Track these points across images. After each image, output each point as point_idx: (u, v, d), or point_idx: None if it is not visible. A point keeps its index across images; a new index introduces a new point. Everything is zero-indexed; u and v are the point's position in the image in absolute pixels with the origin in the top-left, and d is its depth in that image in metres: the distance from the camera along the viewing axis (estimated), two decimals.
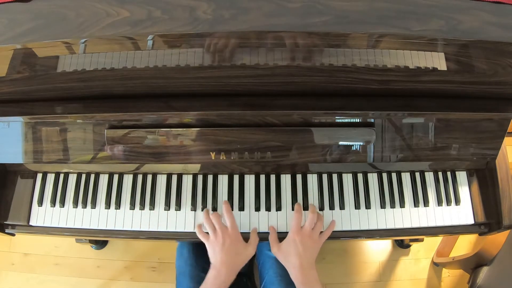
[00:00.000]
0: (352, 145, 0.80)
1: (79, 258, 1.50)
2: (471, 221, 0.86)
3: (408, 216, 0.86)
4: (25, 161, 0.82)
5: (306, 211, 0.85)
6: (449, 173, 0.89)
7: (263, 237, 0.85)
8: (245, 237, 0.85)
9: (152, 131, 0.78)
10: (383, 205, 0.86)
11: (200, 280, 0.87)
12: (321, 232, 0.81)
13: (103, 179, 0.88)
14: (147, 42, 0.65)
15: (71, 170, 0.89)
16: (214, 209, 0.86)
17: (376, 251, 1.52)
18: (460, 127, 0.80)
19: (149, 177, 0.88)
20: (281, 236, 0.82)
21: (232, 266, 0.76)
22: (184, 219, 0.85)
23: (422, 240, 1.42)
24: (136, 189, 0.87)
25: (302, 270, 0.74)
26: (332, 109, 0.76)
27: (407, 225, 0.86)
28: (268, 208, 0.86)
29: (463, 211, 0.87)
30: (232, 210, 0.85)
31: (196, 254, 0.93)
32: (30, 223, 0.86)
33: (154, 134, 0.78)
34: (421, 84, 0.77)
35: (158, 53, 0.69)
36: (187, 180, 0.88)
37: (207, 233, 0.80)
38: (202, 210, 0.85)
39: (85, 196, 0.87)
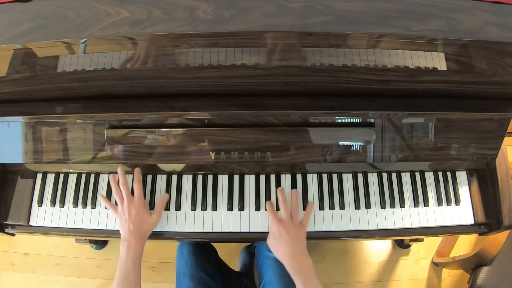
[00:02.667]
0: (352, 145, 0.80)
1: (79, 258, 1.50)
2: (471, 221, 0.86)
3: (408, 216, 0.86)
4: (25, 161, 0.82)
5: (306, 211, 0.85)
6: (449, 173, 0.89)
7: (263, 237, 0.84)
8: (246, 237, 0.86)
9: (152, 131, 0.78)
10: (383, 205, 0.86)
11: (200, 280, 0.88)
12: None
13: (103, 179, 0.88)
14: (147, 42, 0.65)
15: (71, 170, 0.89)
16: (214, 209, 0.86)
17: (376, 251, 1.52)
18: (460, 127, 0.80)
19: (149, 177, 0.88)
20: None
21: (138, 235, 0.78)
22: (184, 219, 0.85)
23: (422, 240, 1.42)
24: None
25: (295, 258, 0.74)
26: (332, 109, 0.76)
27: (407, 225, 0.86)
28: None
29: (463, 211, 0.87)
30: (232, 210, 0.85)
31: (196, 254, 0.93)
32: (30, 223, 0.86)
33: (154, 134, 0.78)
34: (421, 84, 0.77)
35: (158, 53, 0.69)
36: (187, 180, 0.88)
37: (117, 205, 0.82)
38: (202, 210, 0.85)
39: (85, 196, 0.87)
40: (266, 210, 0.85)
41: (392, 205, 0.86)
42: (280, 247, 0.76)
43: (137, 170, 0.84)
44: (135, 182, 0.83)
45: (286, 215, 0.79)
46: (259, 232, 0.84)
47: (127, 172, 0.88)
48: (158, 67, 0.71)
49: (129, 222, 0.78)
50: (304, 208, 0.85)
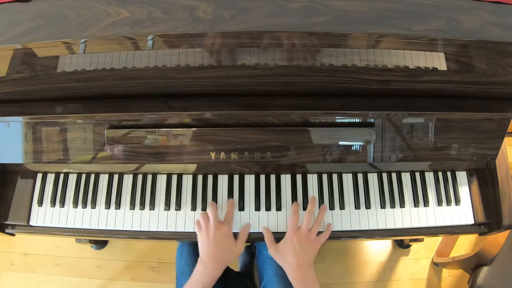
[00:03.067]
0: (352, 145, 0.80)
1: (79, 258, 1.50)
2: (471, 221, 0.86)
3: (408, 216, 0.86)
4: (25, 161, 0.82)
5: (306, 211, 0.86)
6: (449, 173, 0.89)
7: (263, 237, 0.85)
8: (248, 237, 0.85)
9: (152, 131, 0.78)
10: (383, 205, 0.86)
11: None
12: (319, 233, 0.80)
13: (103, 179, 0.88)
14: (147, 42, 0.65)
15: (71, 170, 0.89)
16: None
17: (376, 251, 1.52)
18: (460, 127, 0.80)
19: (149, 177, 0.88)
20: (281, 236, 0.82)
21: (220, 261, 0.75)
22: (184, 219, 0.85)
23: (422, 240, 1.42)
24: (136, 189, 0.87)
25: (299, 270, 0.74)
26: (332, 109, 0.76)
27: (407, 225, 0.86)
28: (268, 208, 0.86)
29: (463, 211, 0.87)
30: None
31: (196, 254, 0.92)
32: (30, 223, 0.86)
33: (154, 134, 0.78)
34: (421, 84, 0.77)
35: (158, 53, 0.69)
36: (187, 180, 0.88)
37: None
38: (202, 210, 0.85)
39: (85, 196, 0.87)
40: (266, 210, 0.85)
41: (392, 205, 0.87)
42: (286, 256, 0.76)
43: (230, 201, 0.83)
44: (228, 211, 0.82)
45: (306, 227, 0.78)
46: (259, 232, 0.84)
47: (129, 171, 0.88)
48: (158, 67, 0.71)
49: (212, 245, 0.75)
50: (304, 209, 0.85)
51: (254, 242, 1.12)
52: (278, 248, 0.78)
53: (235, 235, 0.82)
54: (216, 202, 0.86)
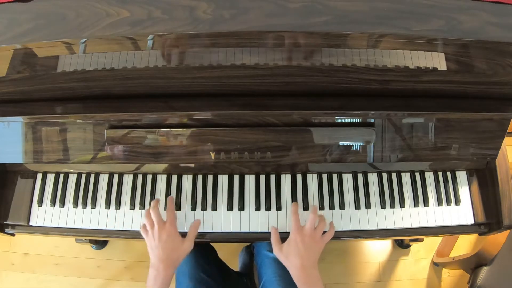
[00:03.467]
0: (352, 145, 0.80)
1: (79, 258, 1.50)
2: (471, 221, 0.86)
3: (408, 216, 0.86)
4: (25, 161, 0.82)
5: (306, 211, 0.86)
6: (449, 173, 0.89)
7: (263, 237, 0.85)
8: (246, 237, 0.86)
9: (152, 131, 0.78)
10: (383, 205, 0.86)
11: (200, 280, 0.87)
12: (324, 233, 0.80)
13: (103, 179, 0.88)
14: (147, 42, 0.65)
15: (71, 170, 0.89)
16: (214, 209, 0.86)
17: (376, 251, 1.52)
18: (460, 127, 0.80)
19: (149, 177, 0.88)
20: (281, 236, 0.82)
21: (169, 262, 0.75)
22: (184, 219, 0.85)
23: (422, 240, 1.42)
24: (136, 189, 0.87)
25: (304, 270, 0.73)
26: (332, 109, 0.76)
27: (407, 225, 0.86)
28: (268, 208, 0.86)
29: (463, 211, 0.87)
30: (232, 210, 0.85)
31: (196, 254, 0.93)
32: (30, 223, 0.86)
33: (154, 134, 0.78)
34: (421, 84, 0.77)
35: (158, 53, 0.69)
36: (187, 180, 0.88)
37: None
38: (202, 210, 0.85)
39: (85, 196, 0.87)
40: (266, 210, 0.85)
41: (392, 205, 0.86)
42: (290, 256, 0.76)
43: (170, 199, 0.83)
44: (167, 210, 0.81)
45: (310, 227, 0.77)
46: (259, 232, 0.84)
47: (129, 171, 0.88)
48: (158, 67, 0.71)
49: (159, 248, 0.75)
50: (306, 208, 0.85)
51: (254, 242, 1.12)
52: (283, 249, 0.78)
53: (235, 235, 0.82)
54: (216, 202, 0.86)
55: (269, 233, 0.83)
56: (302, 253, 0.74)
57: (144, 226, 0.80)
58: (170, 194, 0.86)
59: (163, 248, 0.75)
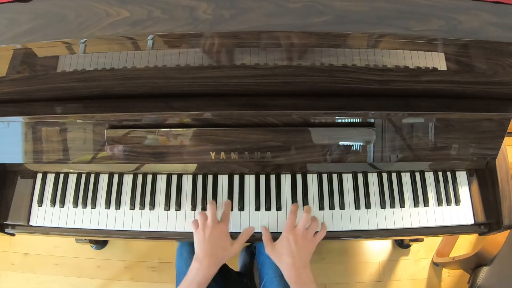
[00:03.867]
0: (352, 145, 0.80)
1: (79, 258, 1.50)
2: (471, 221, 0.86)
3: (408, 216, 0.86)
4: (25, 161, 0.82)
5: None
6: (449, 173, 0.89)
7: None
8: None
9: (152, 131, 0.78)
10: (383, 205, 0.86)
11: None
12: (316, 233, 0.80)
13: (103, 179, 0.88)
14: (147, 42, 0.65)
15: (71, 170, 0.89)
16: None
17: (376, 251, 1.52)
18: (460, 127, 0.80)
19: (149, 177, 0.88)
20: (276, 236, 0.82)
21: (215, 260, 0.75)
22: (184, 219, 0.85)
23: (422, 240, 1.42)
24: (136, 189, 0.87)
25: (295, 269, 0.74)
26: (332, 109, 0.76)
27: (407, 225, 0.86)
28: (268, 208, 0.86)
29: (463, 211, 0.87)
30: (232, 210, 0.85)
31: None
32: (30, 223, 0.86)
33: (154, 134, 0.78)
34: (421, 84, 0.77)
35: (158, 53, 0.69)
36: (187, 180, 0.88)
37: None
38: (202, 210, 0.85)
39: (85, 196, 0.87)
40: (266, 210, 0.85)
41: (392, 205, 0.87)
42: (282, 255, 0.76)
43: (227, 202, 0.84)
44: (224, 210, 0.82)
45: (303, 226, 0.78)
46: (259, 232, 0.84)
47: (129, 171, 0.88)
48: (158, 67, 0.71)
49: (209, 242, 0.75)
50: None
51: (254, 242, 1.12)
52: (275, 248, 0.78)
53: (235, 235, 0.82)
54: (216, 202, 0.86)
55: (270, 233, 0.83)
56: (293, 252, 0.75)
57: (195, 222, 0.80)
58: (170, 194, 0.87)
59: (213, 244, 0.75)
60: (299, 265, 0.74)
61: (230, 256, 0.79)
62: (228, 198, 0.86)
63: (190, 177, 0.88)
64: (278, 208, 0.86)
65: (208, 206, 0.82)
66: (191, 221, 0.82)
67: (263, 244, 0.96)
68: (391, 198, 0.87)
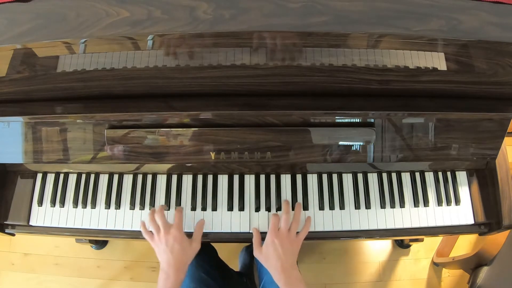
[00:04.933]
0: (352, 145, 0.80)
1: (79, 258, 1.50)
2: (471, 221, 0.86)
3: (408, 216, 0.86)
4: (25, 161, 0.82)
5: (306, 211, 0.86)
6: (449, 173, 0.89)
7: (264, 237, 0.84)
8: (246, 237, 0.85)
9: (152, 131, 0.78)
10: (383, 205, 0.86)
11: (201, 280, 0.88)
12: (298, 233, 0.80)
13: (103, 179, 0.88)
14: (147, 42, 0.65)
15: (71, 170, 0.89)
16: (214, 209, 0.86)
17: (376, 251, 1.52)
18: (460, 127, 0.80)
19: (149, 177, 0.88)
20: None
21: (179, 265, 0.75)
22: (184, 219, 0.85)
23: (422, 240, 1.42)
24: (136, 189, 0.87)
25: (283, 272, 0.74)
26: (332, 109, 0.76)
27: (407, 225, 0.86)
28: (268, 208, 0.86)
29: (463, 211, 0.87)
30: (232, 210, 0.85)
31: (197, 254, 0.93)
32: (30, 223, 0.86)
33: (154, 134, 0.78)
34: (421, 84, 0.77)
35: (158, 53, 0.69)
36: (187, 180, 0.88)
37: (152, 233, 0.79)
38: (202, 210, 0.85)
39: (85, 196, 0.87)
40: (266, 210, 0.85)
41: (392, 205, 0.86)
42: (269, 259, 0.76)
43: (178, 208, 0.82)
44: (175, 213, 0.80)
45: (285, 227, 0.78)
46: (260, 232, 0.84)
47: (129, 171, 0.88)
48: (158, 67, 0.71)
49: (167, 252, 0.75)
50: (306, 208, 0.85)
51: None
52: (262, 252, 0.78)
53: (234, 235, 0.82)
54: (216, 202, 0.86)
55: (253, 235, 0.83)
56: (280, 254, 0.75)
57: (147, 231, 0.80)
58: (170, 194, 0.87)
59: (171, 252, 0.75)
60: (287, 267, 0.74)
61: (193, 256, 0.78)
62: (228, 198, 0.86)
63: (190, 177, 0.88)
64: (278, 208, 0.86)
65: (156, 215, 0.79)
66: (142, 230, 0.80)
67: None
68: (391, 198, 0.87)
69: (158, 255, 0.77)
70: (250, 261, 1.33)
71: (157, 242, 0.77)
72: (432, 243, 1.53)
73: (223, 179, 0.88)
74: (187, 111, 0.76)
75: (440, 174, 0.89)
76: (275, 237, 0.76)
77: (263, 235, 0.84)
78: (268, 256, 0.77)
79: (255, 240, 0.81)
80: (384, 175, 0.89)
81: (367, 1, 0.65)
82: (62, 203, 0.86)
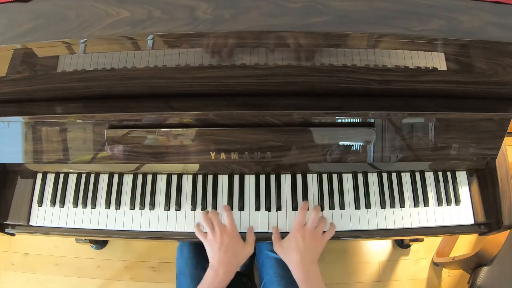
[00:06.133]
0: (352, 145, 0.80)
1: (79, 258, 1.50)
2: (471, 221, 0.86)
3: (408, 216, 0.86)
4: (25, 161, 0.82)
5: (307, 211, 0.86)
6: (449, 173, 0.89)
7: (263, 237, 0.85)
8: (244, 237, 0.85)
9: (152, 131, 0.78)
10: (383, 205, 0.86)
11: (201, 279, 0.87)
12: (323, 232, 0.81)
13: (103, 179, 0.88)
14: (147, 42, 0.65)
15: (71, 170, 0.89)
16: (214, 209, 0.85)
17: (376, 251, 1.52)
18: (460, 127, 0.80)
19: (149, 177, 0.88)
20: (282, 236, 0.82)
21: (230, 266, 0.75)
22: (184, 219, 0.85)
23: (422, 240, 1.42)
24: (136, 189, 0.87)
25: (303, 266, 0.74)
26: (332, 109, 0.76)
27: (407, 225, 0.86)
28: (268, 208, 0.86)
29: (463, 211, 0.87)
30: (232, 210, 0.85)
31: (197, 254, 0.93)
32: (30, 223, 0.86)
33: (154, 134, 0.78)
34: (421, 84, 0.77)
35: (158, 53, 0.69)
36: (187, 180, 0.88)
37: (206, 232, 0.80)
38: (202, 210, 0.85)
39: (85, 196, 0.87)
40: (266, 210, 0.85)
41: (392, 205, 0.87)
42: (290, 252, 0.76)
43: (226, 206, 0.83)
44: (225, 211, 0.81)
45: (311, 224, 0.78)
46: (259, 232, 0.84)
47: (129, 171, 0.88)
48: (158, 67, 0.71)
49: (221, 250, 0.75)
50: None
51: (256, 242, 1.12)
52: (283, 245, 0.78)
53: (242, 236, 0.82)
54: (216, 202, 0.86)
55: (270, 233, 0.83)
56: (301, 249, 0.75)
57: (200, 230, 0.80)
58: (170, 194, 0.87)
59: (226, 251, 0.75)
60: (307, 262, 0.75)
61: (245, 259, 0.79)
62: (228, 198, 0.86)
63: (190, 177, 0.88)
64: (278, 208, 0.86)
65: (211, 215, 0.81)
66: (196, 230, 0.81)
67: (264, 244, 0.96)
68: (391, 198, 0.87)
69: (210, 254, 0.77)
70: (250, 261, 1.33)
71: (211, 242, 0.77)
72: (432, 243, 1.53)
73: (223, 179, 0.88)
74: (187, 111, 0.76)
75: (440, 174, 0.89)
76: (299, 232, 0.77)
77: (262, 235, 0.84)
78: (288, 249, 0.77)
79: (275, 235, 0.81)
80: (384, 175, 0.89)
81: (367, 1, 0.65)
82: (62, 203, 0.86)
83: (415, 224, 0.85)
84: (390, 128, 0.80)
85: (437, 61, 0.71)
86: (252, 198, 0.86)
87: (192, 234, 0.84)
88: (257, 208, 0.86)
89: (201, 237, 0.80)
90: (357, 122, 0.79)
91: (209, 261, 0.77)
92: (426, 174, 0.89)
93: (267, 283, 0.90)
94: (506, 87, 0.77)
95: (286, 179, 0.88)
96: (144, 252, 1.50)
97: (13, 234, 0.88)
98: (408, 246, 1.51)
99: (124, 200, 0.87)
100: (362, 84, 0.76)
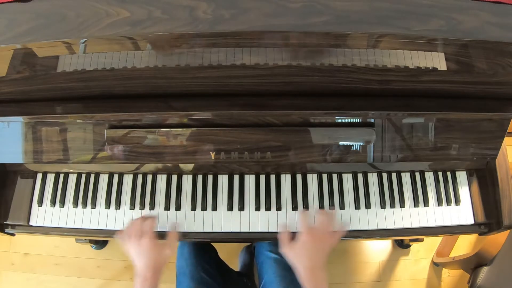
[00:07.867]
0: (352, 145, 0.80)
1: (79, 258, 1.50)
2: (471, 221, 0.86)
3: (408, 216, 0.86)
4: (25, 161, 0.82)
5: (307, 210, 0.85)
6: (449, 173, 0.89)
7: (263, 237, 0.85)
8: (246, 237, 0.86)
9: (152, 131, 0.78)
10: (383, 205, 0.86)
11: (201, 280, 0.87)
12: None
13: (103, 179, 0.88)
14: (147, 42, 0.65)
15: (71, 170, 0.89)
16: (214, 209, 0.86)
17: (376, 251, 1.52)
18: (460, 127, 0.80)
19: (149, 177, 0.88)
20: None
21: (156, 268, 0.74)
22: (184, 219, 0.85)
23: (422, 240, 1.42)
24: (136, 189, 0.87)
25: (312, 273, 0.73)
26: (332, 109, 0.76)
27: (407, 225, 0.86)
28: (268, 208, 0.86)
29: (463, 211, 0.87)
30: (232, 210, 0.85)
31: (196, 254, 0.93)
32: (30, 223, 0.86)
33: (154, 134, 0.78)
34: (421, 84, 0.77)
35: (158, 53, 0.69)
36: (187, 180, 0.88)
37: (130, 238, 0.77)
38: (202, 210, 0.85)
39: (85, 196, 0.87)
40: (266, 210, 0.85)
41: (392, 205, 0.87)
42: (300, 257, 0.74)
43: (150, 217, 0.80)
44: (147, 220, 0.79)
45: (320, 227, 0.76)
46: (259, 232, 0.84)
47: (129, 171, 0.88)
48: (158, 67, 0.71)
49: (144, 255, 0.74)
50: (306, 208, 0.85)
51: (254, 242, 1.12)
52: (293, 248, 0.76)
53: (240, 235, 0.81)
54: (216, 202, 0.86)
55: (270, 233, 0.83)
56: (312, 254, 0.73)
57: (122, 233, 0.78)
58: (170, 194, 0.87)
59: (148, 257, 0.74)
60: (316, 267, 0.73)
61: (167, 260, 0.77)
62: (228, 198, 0.86)
63: (190, 177, 0.88)
64: (278, 208, 0.86)
65: (138, 219, 0.78)
66: (117, 233, 0.79)
67: (263, 244, 0.96)
68: (391, 198, 0.87)
69: (133, 259, 0.76)
70: (250, 261, 1.33)
71: (132, 246, 0.76)
72: (432, 243, 1.53)
73: (223, 179, 0.88)
74: (187, 111, 0.76)
75: (440, 174, 0.89)
76: (308, 235, 0.74)
77: (262, 235, 0.84)
78: (300, 254, 0.74)
79: (284, 236, 0.78)
80: (384, 175, 0.89)
81: (367, 1, 0.65)
82: (62, 203, 0.86)
83: (415, 224, 0.85)
84: (390, 128, 0.80)
85: (437, 61, 0.71)
86: (252, 198, 0.86)
87: (192, 234, 0.84)
88: (257, 208, 0.86)
89: (123, 243, 0.78)
90: (357, 122, 0.79)
91: (135, 267, 0.75)
92: (426, 174, 0.89)
93: (266, 283, 0.89)
94: (506, 87, 0.77)
95: (286, 179, 0.88)
96: None
97: (13, 234, 0.88)
98: (408, 246, 1.51)
99: (124, 200, 0.87)
100: (362, 84, 0.76)
